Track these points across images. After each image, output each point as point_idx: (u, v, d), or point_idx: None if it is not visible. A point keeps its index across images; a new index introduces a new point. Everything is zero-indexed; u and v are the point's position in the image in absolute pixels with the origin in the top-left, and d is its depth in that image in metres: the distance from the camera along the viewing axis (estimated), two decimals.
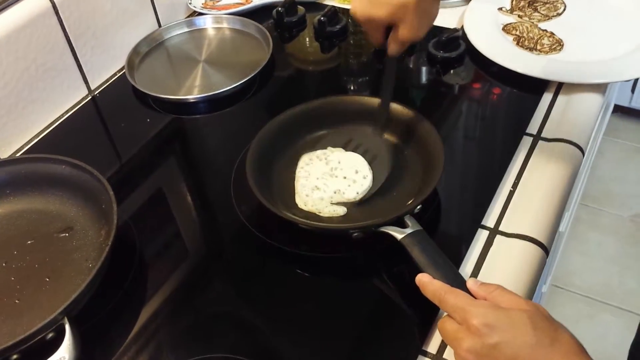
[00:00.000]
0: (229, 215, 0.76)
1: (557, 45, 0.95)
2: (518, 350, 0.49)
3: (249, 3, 1.14)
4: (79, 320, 0.62)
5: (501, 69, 0.91)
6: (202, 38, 1.08)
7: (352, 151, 0.78)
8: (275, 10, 1.09)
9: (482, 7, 1.05)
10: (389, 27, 0.71)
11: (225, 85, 0.94)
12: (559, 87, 0.90)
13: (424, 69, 0.98)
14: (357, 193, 0.73)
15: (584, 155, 0.82)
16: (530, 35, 0.98)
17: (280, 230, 0.72)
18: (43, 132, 0.93)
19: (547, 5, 1.05)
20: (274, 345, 0.64)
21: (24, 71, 0.88)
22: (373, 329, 0.64)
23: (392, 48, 0.72)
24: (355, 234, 0.68)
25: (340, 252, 0.71)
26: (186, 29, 1.09)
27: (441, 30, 1.01)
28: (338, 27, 1.06)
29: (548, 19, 1.02)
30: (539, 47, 0.95)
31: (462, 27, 1.00)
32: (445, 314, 0.56)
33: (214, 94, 0.93)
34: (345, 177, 0.74)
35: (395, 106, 0.80)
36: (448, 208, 0.75)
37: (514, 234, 0.71)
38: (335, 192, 0.73)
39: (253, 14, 1.11)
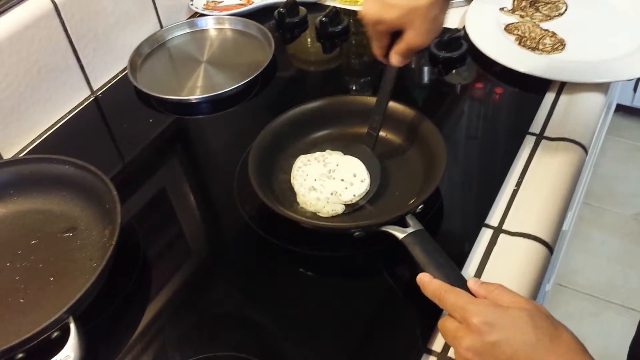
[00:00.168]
0: (232, 214, 0.76)
1: (559, 45, 0.95)
2: (518, 349, 0.49)
3: (251, 4, 1.14)
4: (84, 320, 0.62)
5: (503, 68, 0.91)
6: (204, 39, 1.08)
7: (352, 155, 0.78)
8: (276, 11, 1.09)
9: (483, 7, 1.05)
10: (394, 38, 0.70)
11: (227, 86, 0.94)
12: (562, 87, 0.90)
13: (425, 69, 0.99)
14: (354, 195, 0.73)
15: (587, 154, 0.82)
16: (532, 35, 0.98)
17: (283, 229, 0.72)
18: (46, 133, 0.93)
19: (549, 5, 1.05)
20: (278, 343, 0.64)
21: (27, 72, 0.88)
22: (377, 327, 0.64)
23: (395, 59, 0.72)
24: (357, 233, 0.68)
25: (344, 251, 0.71)
26: (188, 30, 1.09)
27: (443, 30, 1.00)
28: (340, 27, 1.06)
29: (550, 19, 1.02)
30: (541, 47, 0.95)
31: (464, 27, 1.00)
32: (446, 313, 0.56)
33: (216, 95, 0.94)
34: (342, 180, 0.74)
35: (397, 106, 0.80)
36: (451, 207, 0.75)
37: (517, 232, 0.71)
38: (332, 194, 0.73)
39: (255, 14, 1.12)
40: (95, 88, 1.00)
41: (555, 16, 1.03)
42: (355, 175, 0.74)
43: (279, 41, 1.06)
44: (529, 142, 0.82)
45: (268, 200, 0.70)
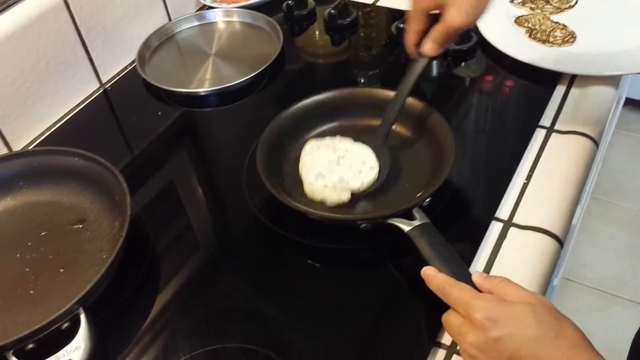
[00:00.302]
0: (240, 207, 0.76)
1: (570, 37, 0.95)
2: (521, 344, 0.49)
3: None
4: (94, 311, 0.62)
5: (513, 61, 0.90)
6: (212, 31, 1.08)
7: (362, 142, 0.77)
8: (285, 3, 1.09)
9: None
10: (431, 25, 0.69)
11: (236, 79, 0.94)
12: (572, 80, 0.89)
13: (435, 61, 0.98)
14: (362, 183, 0.72)
15: (597, 147, 0.81)
16: (543, 27, 0.97)
17: (292, 221, 0.73)
18: (55, 125, 0.94)
19: None
20: (286, 335, 0.64)
21: (36, 65, 0.88)
22: (386, 320, 0.64)
23: (429, 46, 0.70)
24: (363, 225, 0.68)
25: (351, 243, 0.71)
26: (196, 23, 1.09)
27: None
28: (348, 19, 1.06)
29: (560, 11, 1.02)
30: (551, 40, 0.95)
31: None
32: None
33: (224, 87, 0.93)
34: (351, 166, 0.73)
35: (407, 98, 0.79)
36: (461, 201, 0.75)
37: (528, 226, 0.70)
38: (339, 180, 0.72)
39: (263, 7, 1.11)
40: (104, 80, 1.00)
41: (565, 8, 1.02)
42: (364, 163, 0.74)
43: (288, 34, 1.06)
44: (539, 135, 0.82)
45: (276, 192, 0.70)
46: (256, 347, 0.62)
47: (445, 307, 0.56)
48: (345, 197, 0.72)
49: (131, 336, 0.64)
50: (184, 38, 1.07)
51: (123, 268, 0.67)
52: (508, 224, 0.71)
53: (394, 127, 0.80)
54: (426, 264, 0.60)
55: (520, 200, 0.74)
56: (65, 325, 0.60)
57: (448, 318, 0.55)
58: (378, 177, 0.73)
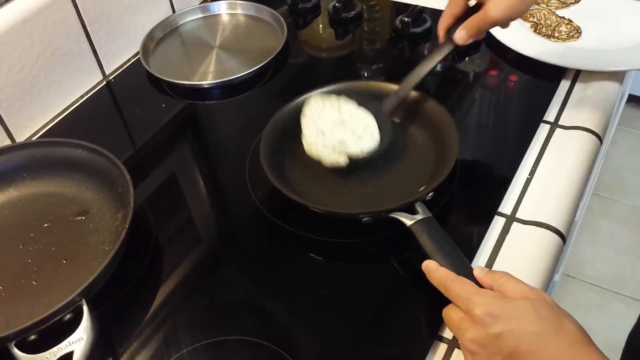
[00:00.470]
0: (243, 200, 0.76)
1: (575, 32, 0.94)
2: (522, 340, 0.49)
3: None
4: (96, 302, 0.62)
5: (518, 56, 0.90)
6: (216, 24, 1.08)
7: (366, 109, 0.76)
8: None
9: None
10: (468, 15, 0.68)
11: (240, 71, 0.93)
12: (577, 75, 0.89)
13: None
14: (362, 150, 0.72)
15: (601, 143, 0.81)
16: (548, 22, 0.97)
17: (294, 215, 0.72)
18: (58, 117, 0.94)
19: None
20: (288, 328, 0.64)
21: (40, 56, 0.88)
22: (388, 313, 0.64)
23: (460, 35, 0.70)
24: (366, 219, 0.68)
25: (354, 237, 0.71)
26: (200, 15, 1.09)
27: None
28: (353, 13, 1.05)
29: (566, 6, 1.01)
30: (556, 34, 0.94)
31: None
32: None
33: (228, 80, 0.93)
34: (353, 131, 0.73)
35: (411, 92, 0.79)
36: (464, 195, 0.75)
37: (531, 221, 0.70)
38: (339, 143, 0.72)
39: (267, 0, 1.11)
40: (107, 72, 1.00)
41: (571, 3, 1.02)
42: (365, 129, 0.73)
43: (292, 27, 1.06)
44: (543, 130, 0.81)
45: (279, 185, 0.70)
46: (258, 339, 0.62)
47: (446, 301, 0.56)
48: (342, 160, 0.72)
49: (133, 328, 0.64)
50: (188, 30, 1.07)
51: (125, 260, 0.67)
52: (511, 218, 0.71)
53: (397, 120, 0.80)
54: (428, 258, 0.60)
55: (523, 196, 0.74)
56: (68, 316, 0.60)
57: (448, 313, 0.55)
58: (379, 147, 0.73)
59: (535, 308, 0.51)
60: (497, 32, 0.94)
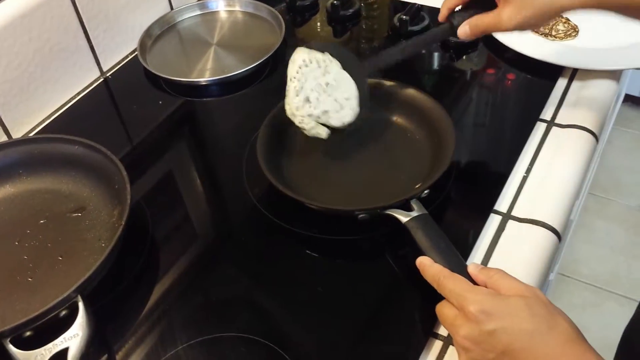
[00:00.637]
0: (240, 197, 0.76)
1: (572, 31, 0.95)
2: (515, 338, 0.49)
3: None
4: (92, 299, 0.62)
5: (515, 54, 0.90)
6: (214, 21, 1.08)
7: (349, 73, 0.75)
8: None
9: None
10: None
11: (237, 69, 0.93)
12: (574, 73, 0.89)
13: (436, 54, 0.98)
14: (342, 123, 0.73)
15: (597, 142, 0.81)
16: None
17: (291, 212, 0.72)
18: (55, 113, 0.93)
19: None
20: (285, 325, 0.64)
21: (37, 52, 0.88)
22: (384, 310, 0.64)
23: (463, 30, 0.69)
24: (362, 216, 0.68)
25: (351, 234, 0.71)
26: (198, 12, 1.09)
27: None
28: (351, 11, 1.06)
29: None
30: (553, 33, 0.94)
31: None
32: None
33: (225, 77, 0.93)
34: (336, 100, 0.73)
35: (408, 90, 0.80)
36: (460, 193, 0.75)
37: (526, 219, 0.71)
38: (323, 113, 0.72)
39: None
40: (105, 69, 1.00)
41: None
42: (348, 99, 0.73)
43: (290, 24, 1.05)
44: (539, 128, 0.82)
45: (276, 183, 0.70)
46: (254, 336, 0.62)
47: (440, 297, 0.57)
48: (324, 133, 0.73)
49: (129, 324, 0.64)
50: (186, 27, 1.07)
51: (122, 257, 0.67)
52: (507, 216, 0.71)
53: (395, 118, 0.80)
54: (422, 254, 0.61)
55: (519, 193, 0.74)
56: (63, 313, 0.60)
57: (442, 309, 0.55)
58: (357, 119, 0.74)
59: (529, 305, 0.51)
60: None
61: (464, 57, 0.96)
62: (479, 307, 0.51)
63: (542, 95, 0.86)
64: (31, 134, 0.90)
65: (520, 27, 0.67)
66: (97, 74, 0.99)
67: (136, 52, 0.99)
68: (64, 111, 0.94)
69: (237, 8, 1.09)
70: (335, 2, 1.04)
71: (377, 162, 0.77)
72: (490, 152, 0.82)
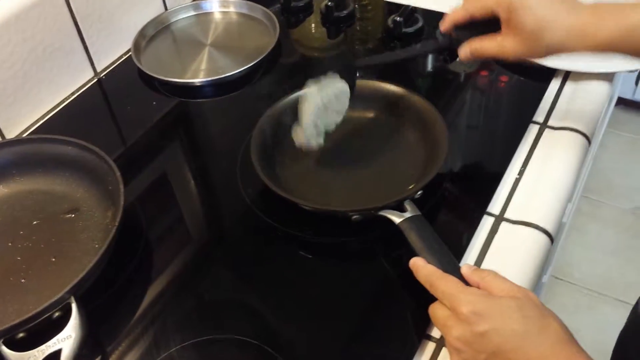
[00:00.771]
0: (234, 198, 0.76)
1: None
2: (506, 339, 0.50)
3: None
4: (86, 300, 0.62)
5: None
6: (208, 22, 1.08)
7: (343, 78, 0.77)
8: None
9: None
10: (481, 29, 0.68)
11: (231, 70, 0.93)
12: (567, 76, 0.90)
13: (430, 56, 0.98)
14: (336, 126, 0.75)
15: (590, 144, 0.82)
16: None
17: (285, 213, 0.72)
18: (49, 114, 0.93)
19: None
20: (278, 326, 0.64)
21: (31, 52, 0.88)
22: (377, 312, 0.64)
23: (464, 52, 0.70)
24: (355, 217, 0.68)
25: (344, 235, 0.71)
26: (193, 13, 1.09)
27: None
28: (345, 12, 1.06)
29: None
30: None
31: None
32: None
33: (219, 78, 0.93)
34: (336, 111, 0.75)
35: (401, 91, 0.80)
36: (454, 194, 0.75)
37: (519, 221, 0.71)
38: (325, 126, 0.75)
39: None
40: (98, 69, 1.00)
41: None
42: (343, 107, 0.76)
43: (284, 25, 1.06)
44: (532, 130, 0.82)
45: (270, 183, 0.70)
46: (247, 338, 0.62)
47: (433, 299, 0.57)
48: (322, 140, 0.74)
49: (122, 326, 0.64)
50: (180, 28, 1.07)
51: (115, 258, 0.67)
52: (500, 218, 0.72)
53: (388, 119, 0.82)
54: (417, 256, 0.61)
55: (512, 195, 0.74)
56: (57, 314, 0.60)
57: (434, 310, 0.56)
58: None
59: (521, 307, 0.51)
60: None
61: (458, 59, 0.96)
62: (471, 308, 0.51)
63: (534, 98, 0.86)
64: (24, 135, 0.90)
65: (523, 57, 0.67)
66: (91, 74, 0.99)
67: (130, 53, 0.98)
68: (58, 111, 0.94)
69: (232, 9, 1.09)
70: (329, 3, 1.04)
71: (370, 164, 0.77)
72: (484, 153, 0.82)
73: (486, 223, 0.71)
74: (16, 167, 0.77)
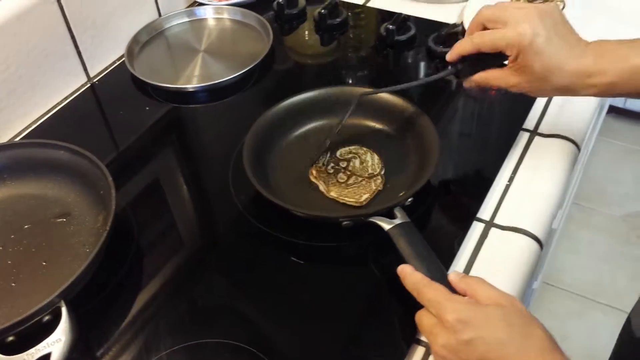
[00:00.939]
0: (226, 203, 0.77)
1: None
2: (491, 347, 0.50)
3: None
4: (76, 304, 0.62)
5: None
6: (202, 28, 1.08)
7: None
8: (275, 2, 1.09)
9: (482, 3, 1.05)
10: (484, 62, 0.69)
11: (225, 76, 0.94)
12: None
13: (423, 63, 0.99)
14: None
15: (579, 151, 0.83)
16: None
17: (277, 218, 0.73)
18: (41, 118, 0.93)
19: (547, 4, 1.05)
20: (269, 331, 0.64)
21: (24, 57, 0.88)
22: (368, 317, 0.64)
23: (469, 83, 0.71)
24: (345, 223, 0.69)
25: (336, 241, 0.71)
26: (186, 19, 1.09)
27: (441, 25, 1.01)
28: (338, 20, 1.06)
29: None
30: None
31: (462, 22, 1.00)
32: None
33: (213, 84, 0.94)
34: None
35: (394, 99, 0.81)
36: (444, 200, 0.76)
37: (509, 227, 0.72)
38: None
39: (253, 5, 1.11)
40: (92, 75, 1.00)
41: None
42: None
43: (277, 32, 1.06)
44: (522, 138, 0.83)
45: (262, 189, 0.70)
46: (238, 342, 0.62)
47: (421, 305, 0.57)
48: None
49: (113, 330, 0.64)
50: (174, 34, 1.07)
51: (107, 262, 0.67)
52: (489, 224, 0.72)
53: (379, 126, 0.82)
54: (404, 262, 0.61)
55: (502, 201, 0.75)
56: (47, 318, 0.60)
57: (421, 318, 0.56)
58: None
59: (505, 315, 0.52)
60: None
61: (450, 67, 0.96)
62: (456, 316, 0.52)
63: (525, 106, 0.87)
64: (17, 139, 0.90)
65: (526, 92, 0.69)
66: (84, 79, 0.99)
67: (123, 58, 0.99)
68: (50, 116, 0.94)
69: (225, 15, 1.09)
70: (322, 11, 1.05)
71: None
72: (474, 160, 0.83)
73: (476, 229, 0.72)
74: (8, 171, 0.77)
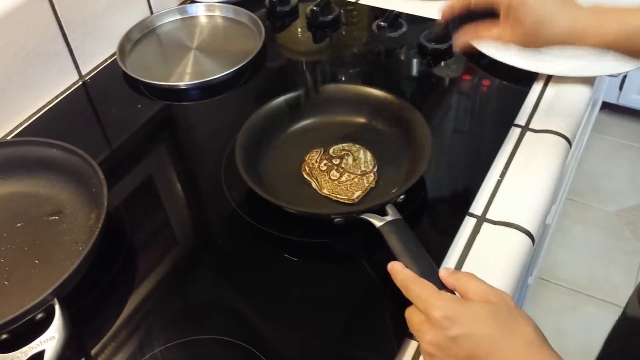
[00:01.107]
0: (219, 201, 0.77)
1: None
2: (478, 344, 0.50)
3: None
4: (69, 302, 0.62)
5: (491, 61, 0.92)
6: (194, 26, 1.08)
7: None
8: None
9: None
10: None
11: (217, 73, 0.94)
12: (548, 80, 0.91)
13: (414, 60, 0.99)
14: None
15: (571, 147, 0.83)
16: None
17: (270, 216, 0.73)
18: (33, 117, 0.93)
19: None
20: (262, 327, 0.64)
21: (16, 55, 0.88)
22: (362, 313, 0.65)
23: (460, 43, 0.71)
24: (337, 220, 0.69)
25: (328, 238, 0.72)
26: (178, 17, 1.09)
27: (433, 22, 1.01)
28: (330, 17, 1.06)
29: None
30: None
31: None
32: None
33: (205, 81, 0.94)
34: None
35: (386, 96, 0.81)
36: (436, 196, 0.76)
37: (501, 221, 0.72)
38: None
39: (245, 2, 1.11)
40: (83, 73, 1.00)
41: None
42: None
43: (270, 30, 1.06)
44: (514, 133, 0.83)
45: (255, 186, 0.70)
46: (232, 338, 0.62)
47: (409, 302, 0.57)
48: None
49: (106, 327, 0.64)
50: (166, 32, 1.07)
51: (99, 260, 0.67)
52: (481, 219, 0.73)
53: (371, 123, 0.82)
54: (395, 259, 0.61)
55: (494, 197, 0.75)
56: (40, 316, 0.60)
57: (410, 315, 0.56)
58: None
59: (493, 311, 0.51)
60: None
61: (442, 63, 0.97)
62: (443, 312, 0.52)
63: (516, 101, 0.87)
64: (9, 137, 0.89)
65: (522, 46, 0.68)
66: (76, 77, 0.99)
67: (115, 56, 0.99)
68: (42, 114, 0.93)
69: (217, 13, 1.09)
70: (314, 8, 1.05)
71: None
72: (466, 156, 0.83)
73: (468, 223, 0.72)
74: (0, 170, 0.76)
